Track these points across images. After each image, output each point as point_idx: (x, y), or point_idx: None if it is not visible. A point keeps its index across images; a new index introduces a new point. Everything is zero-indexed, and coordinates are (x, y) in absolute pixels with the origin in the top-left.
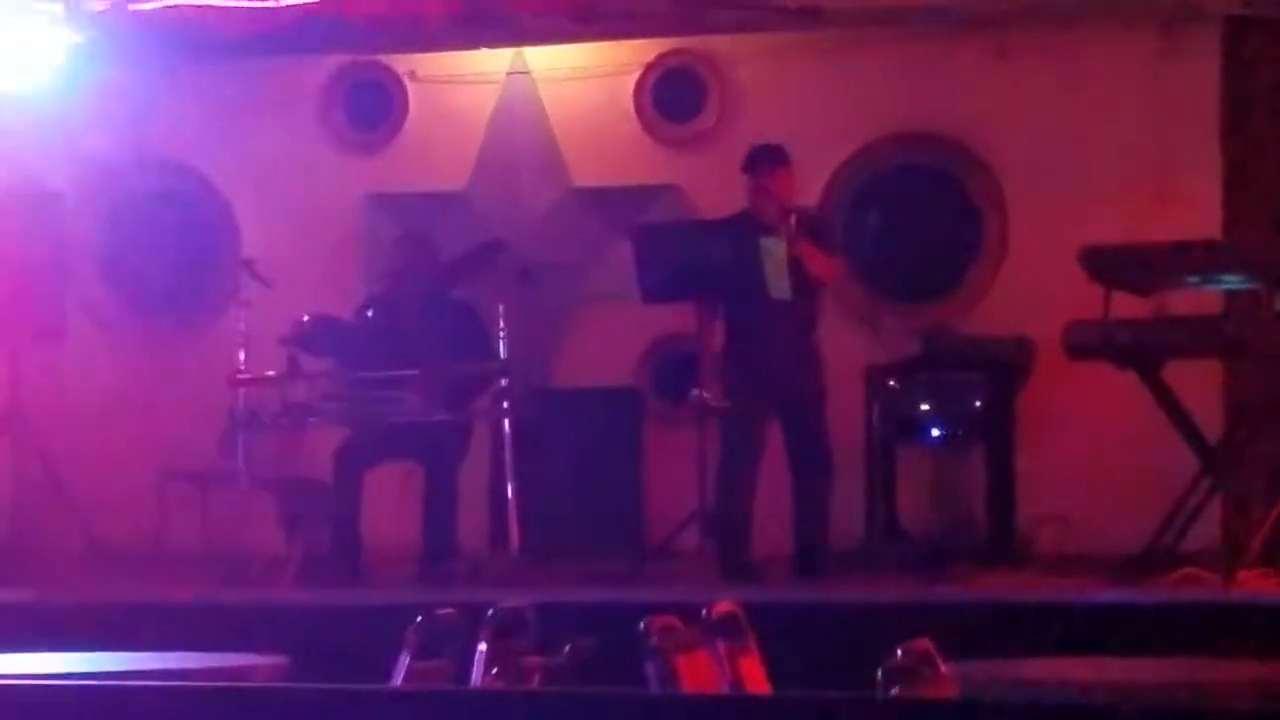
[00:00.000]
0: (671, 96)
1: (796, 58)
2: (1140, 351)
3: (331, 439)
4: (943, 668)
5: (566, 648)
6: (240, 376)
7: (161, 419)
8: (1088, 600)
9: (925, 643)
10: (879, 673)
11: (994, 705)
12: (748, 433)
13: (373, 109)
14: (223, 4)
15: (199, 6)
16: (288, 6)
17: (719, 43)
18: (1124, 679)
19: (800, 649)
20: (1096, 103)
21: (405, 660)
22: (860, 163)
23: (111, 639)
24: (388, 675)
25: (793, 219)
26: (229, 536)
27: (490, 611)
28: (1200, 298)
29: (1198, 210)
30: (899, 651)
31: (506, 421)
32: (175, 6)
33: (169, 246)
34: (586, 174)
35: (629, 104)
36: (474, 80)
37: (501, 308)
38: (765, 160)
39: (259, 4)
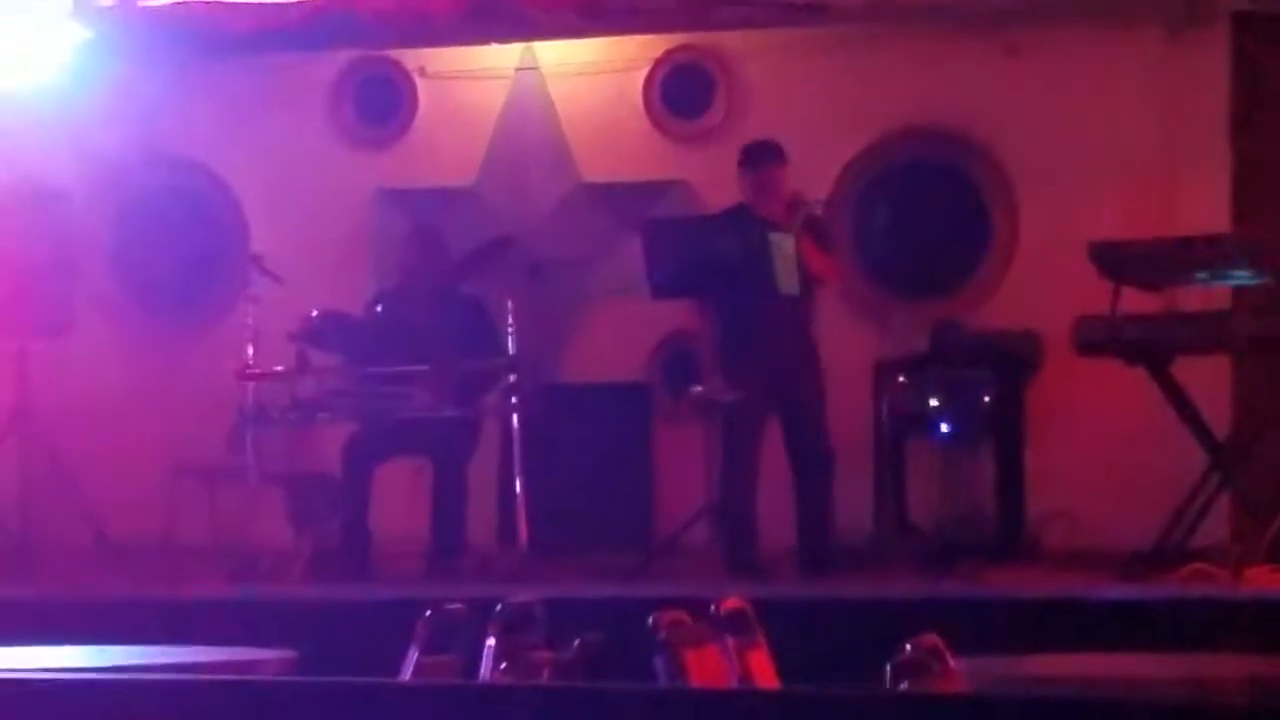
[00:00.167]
0: (680, 92)
1: (805, 54)
2: (1149, 347)
3: (340, 434)
4: (951, 663)
5: (575, 643)
6: (249, 372)
7: (171, 415)
8: (1097, 596)
9: (934, 638)
10: (888, 668)
11: (1003, 700)
12: (749, 429)
13: (382, 105)
14: (232, 0)
15: (208, 2)
16: (297, 2)
17: (728, 39)
18: (1132, 674)
19: (809, 644)
20: (1105, 98)
21: (414, 655)
22: (868, 159)
23: (121, 634)
24: (396, 670)
25: (800, 214)
26: (238, 532)
27: (499, 606)
28: (1209, 293)
29: (1207, 205)
30: (908, 646)
31: (515, 417)
32: (184, 2)
33: (178, 243)
34: (595, 169)
35: (638, 100)
36: (483, 76)
37: (511, 303)
38: (768, 156)
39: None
